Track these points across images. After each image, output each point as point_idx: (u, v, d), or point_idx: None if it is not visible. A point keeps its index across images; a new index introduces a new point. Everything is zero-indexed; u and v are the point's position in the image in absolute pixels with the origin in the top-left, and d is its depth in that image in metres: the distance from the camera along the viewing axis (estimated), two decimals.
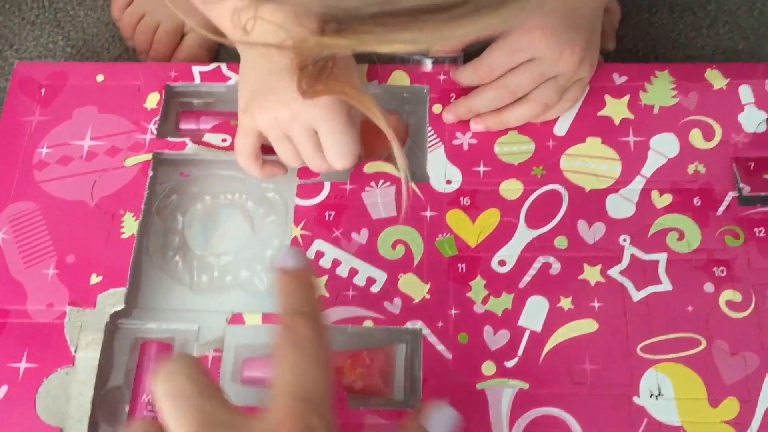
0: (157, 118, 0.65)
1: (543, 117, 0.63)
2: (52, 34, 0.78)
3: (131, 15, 0.76)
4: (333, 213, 0.61)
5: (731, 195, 0.60)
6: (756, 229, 0.59)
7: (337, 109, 0.56)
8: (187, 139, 0.64)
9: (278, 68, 0.56)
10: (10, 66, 0.76)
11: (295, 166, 0.61)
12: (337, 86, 0.54)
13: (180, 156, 0.64)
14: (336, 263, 0.59)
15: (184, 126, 0.66)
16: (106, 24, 0.79)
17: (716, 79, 0.64)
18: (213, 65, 0.67)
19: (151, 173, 0.63)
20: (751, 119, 0.63)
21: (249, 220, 0.63)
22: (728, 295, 0.57)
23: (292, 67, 0.52)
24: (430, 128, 0.63)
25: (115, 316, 0.58)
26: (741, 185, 0.60)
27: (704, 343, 0.55)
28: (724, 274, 0.58)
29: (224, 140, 0.63)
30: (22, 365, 0.56)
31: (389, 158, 0.62)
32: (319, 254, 0.59)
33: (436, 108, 0.64)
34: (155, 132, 0.64)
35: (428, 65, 0.66)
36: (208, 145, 0.63)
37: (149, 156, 0.63)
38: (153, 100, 0.65)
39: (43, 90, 0.66)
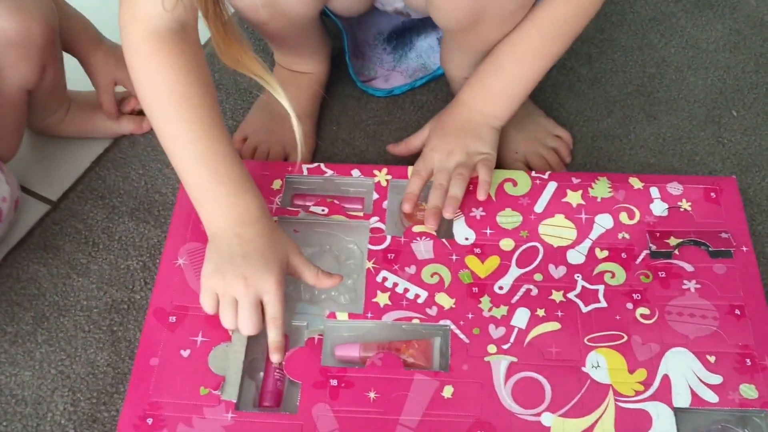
0: (280, 195, 1.00)
1: (479, 193, 0.97)
2: None
3: (248, 148, 1.10)
4: (393, 254, 0.95)
5: (645, 252, 0.95)
6: (659, 272, 0.94)
7: (281, 285, 0.87)
8: (300, 209, 0.99)
9: (241, 251, 0.86)
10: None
11: (228, 326, 0.87)
12: (250, 63, 0.81)
13: (294, 219, 0.99)
14: (395, 285, 0.93)
15: (297, 202, 1.01)
16: None
17: (636, 183, 1.01)
18: (315, 164, 1.03)
19: None
20: (658, 208, 0.99)
21: (336, 261, 0.97)
22: (641, 310, 0.91)
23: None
24: None
25: None
26: (651, 245, 0.95)
27: (626, 337, 0.89)
28: (640, 298, 0.92)
29: (323, 210, 0.99)
30: (199, 339, 0.89)
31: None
32: (384, 279, 0.93)
33: None
34: (279, 203, 1.00)
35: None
36: (312, 213, 0.99)
37: (276, 218, 0.98)
38: (277, 183, 1.01)
39: None
